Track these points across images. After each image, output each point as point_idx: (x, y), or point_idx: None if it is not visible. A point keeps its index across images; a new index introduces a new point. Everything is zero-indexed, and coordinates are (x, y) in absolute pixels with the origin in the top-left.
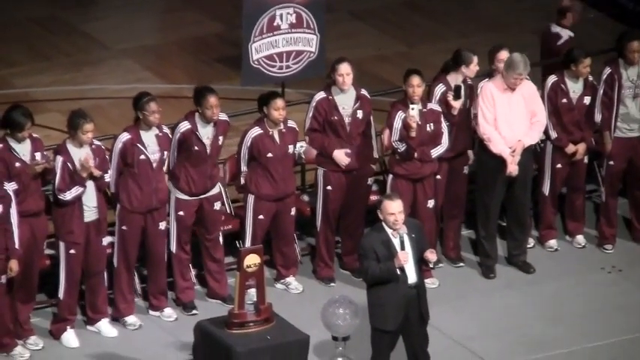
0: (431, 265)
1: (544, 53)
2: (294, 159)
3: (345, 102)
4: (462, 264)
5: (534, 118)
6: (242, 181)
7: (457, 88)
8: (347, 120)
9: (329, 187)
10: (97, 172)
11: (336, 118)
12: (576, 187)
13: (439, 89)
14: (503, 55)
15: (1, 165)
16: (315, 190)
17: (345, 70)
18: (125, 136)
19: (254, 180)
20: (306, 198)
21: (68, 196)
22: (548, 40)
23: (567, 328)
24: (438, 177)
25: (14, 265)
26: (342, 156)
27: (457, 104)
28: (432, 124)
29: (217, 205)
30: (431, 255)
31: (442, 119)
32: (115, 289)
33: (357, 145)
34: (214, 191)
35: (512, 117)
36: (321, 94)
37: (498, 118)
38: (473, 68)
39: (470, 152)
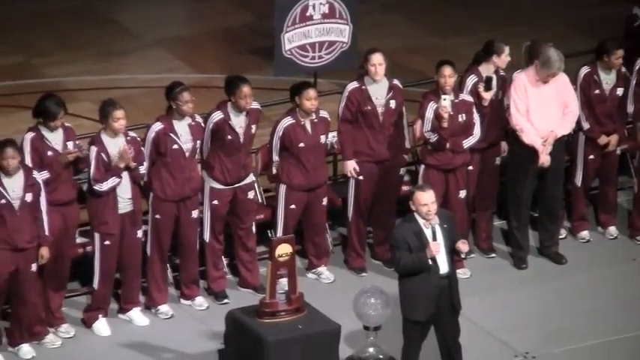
0: (462, 256)
1: (625, 36)
2: (326, 149)
3: (378, 92)
4: (493, 255)
5: (567, 109)
6: (274, 170)
7: (488, 80)
8: (380, 110)
9: (360, 177)
10: (132, 164)
11: (369, 108)
12: (608, 178)
13: (471, 80)
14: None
15: (34, 154)
16: (346, 180)
17: (377, 60)
18: (158, 126)
19: (286, 170)
20: (338, 189)
21: (104, 186)
22: (627, 21)
23: (599, 320)
24: (470, 168)
25: (45, 252)
26: (351, 168)
27: (488, 95)
28: (464, 115)
29: (251, 194)
30: (462, 245)
31: (474, 110)
32: (148, 278)
33: (389, 135)
34: (248, 180)
35: (545, 108)
36: (353, 84)
37: (530, 110)
38: (504, 58)
39: (503, 144)
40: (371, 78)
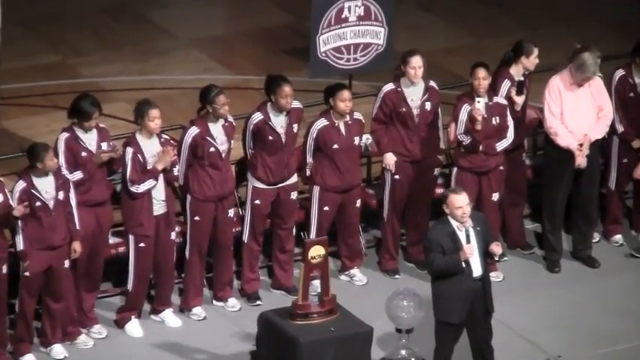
0: (496, 258)
1: None
2: (360, 151)
3: (414, 94)
4: (532, 251)
5: (601, 113)
6: (307, 172)
7: (520, 84)
8: (415, 112)
9: (397, 176)
10: (173, 158)
11: (404, 109)
12: None
13: (505, 85)
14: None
15: (68, 154)
16: (381, 180)
17: (417, 63)
18: (194, 130)
19: (320, 171)
20: (372, 191)
21: (141, 188)
22: None
23: (632, 323)
24: (501, 168)
25: (77, 246)
26: (392, 160)
27: (520, 100)
28: (497, 117)
29: (294, 195)
30: (496, 248)
31: (508, 112)
32: (186, 280)
33: (424, 136)
34: (291, 180)
35: (579, 111)
36: (389, 86)
37: (565, 113)
38: (533, 60)
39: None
40: (409, 80)
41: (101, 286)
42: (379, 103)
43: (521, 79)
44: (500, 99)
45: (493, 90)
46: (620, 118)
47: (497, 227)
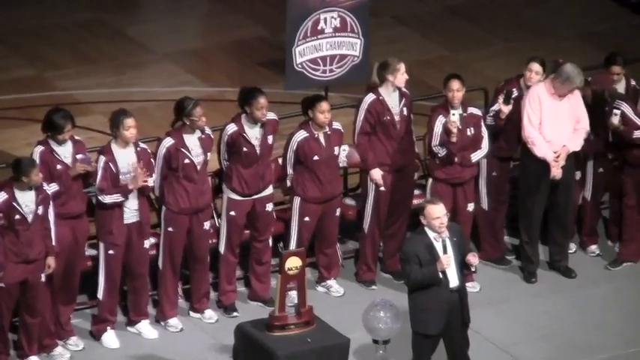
0: (472, 269)
1: None
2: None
3: (393, 101)
4: (509, 265)
5: (578, 125)
6: (288, 183)
7: (508, 93)
8: (397, 119)
9: (382, 188)
10: (144, 184)
11: (388, 118)
12: (618, 191)
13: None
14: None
15: (43, 167)
16: (364, 191)
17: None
18: (169, 142)
19: (300, 183)
20: (350, 201)
21: (107, 199)
22: None
23: (610, 334)
24: (494, 174)
25: (52, 261)
26: (379, 176)
27: (507, 109)
28: (472, 129)
29: (269, 207)
30: (473, 258)
31: (482, 123)
32: (160, 291)
33: (405, 143)
34: (267, 192)
35: (558, 121)
36: (371, 96)
37: (544, 122)
38: (526, 73)
39: None
40: (393, 87)
41: (78, 298)
42: (364, 115)
43: (511, 90)
44: (474, 110)
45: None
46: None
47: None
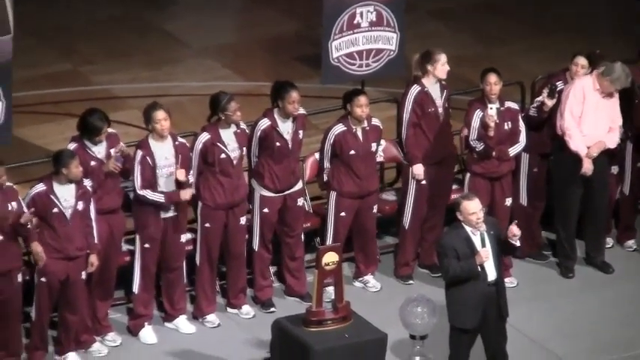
0: (516, 242)
1: None
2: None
3: (436, 93)
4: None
5: (612, 124)
6: (324, 178)
7: (553, 87)
8: (440, 110)
9: (423, 182)
10: (184, 179)
11: (432, 109)
12: None
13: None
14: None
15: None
16: (404, 186)
17: (445, 59)
18: (205, 137)
19: (336, 177)
20: (387, 196)
21: (150, 196)
22: None
23: None
24: (535, 170)
25: (94, 259)
26: (421, 171)
27: (550, 103)
28: (509, 123)
29: (300, 201)
30: (515, 228)
31: (520, 117)
32: (197, 287)
33: (445, 135)
34: (297, 187)
35: (597, 117)
36: (416, 88)
37: (584, 116)
38: (572, 67)
39: None
40: (437, 77)
41: (115, 293)
42: (411, 107)
43: (556, 84)
44: (512, 104)
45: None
46: (630, 121)
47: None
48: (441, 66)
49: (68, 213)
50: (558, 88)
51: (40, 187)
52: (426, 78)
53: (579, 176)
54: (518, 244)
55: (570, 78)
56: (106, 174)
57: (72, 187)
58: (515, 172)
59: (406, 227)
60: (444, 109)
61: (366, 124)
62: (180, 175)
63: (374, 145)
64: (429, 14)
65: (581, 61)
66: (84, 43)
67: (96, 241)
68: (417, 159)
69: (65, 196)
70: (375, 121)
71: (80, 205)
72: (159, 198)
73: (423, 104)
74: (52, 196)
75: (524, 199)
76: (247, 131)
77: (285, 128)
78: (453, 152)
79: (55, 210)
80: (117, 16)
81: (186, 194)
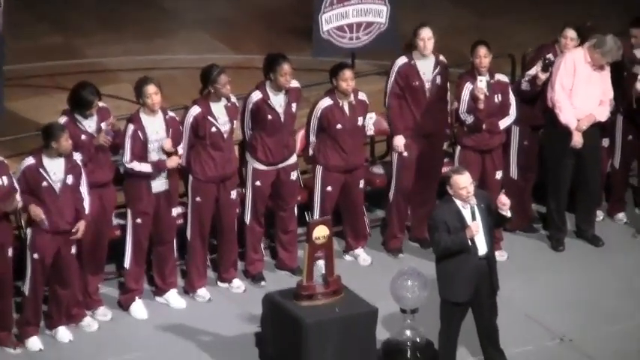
0: (505, 213)
1: None
2: (364, 131)
3: (426, 67)
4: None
5: (603, 96)
6: (310, 152)
7: (547, 61)
8: (427, 86)
9: (405, 154)
10: (171, 148)
11: (417, 83)
12: None
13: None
14: (570, 33)
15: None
16: (389, 159)
17: (426, 34)
18: (196, 110)
19: (322, 151)
20: (378, 170)
21: (137, 167)
22: None
23: (638, 301)
24: (525, 143)
25: (81, 225)
26: (401, 143)
27: (544, 76)
28: (499, 95)
29: (294, 175)
30: (503, 197)
31: (510, 90)
32: (188, 261)
33: (434, 111)
34: (291, 161)
35: (589, 90)
36: (402, 59)
37: (575, 89)
38: (562, 40)
39: None
40: (419, 52)
41: (106, 268)
42: (394, 77)
43: (549, 57)
44: (501, 76)
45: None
46: (621, 95)
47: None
48: (420, 41)
49: (57, 187)
50: (552, 61)
51: (30, 161)
52: (415, 51)
53: (570, 149)
54: (509, 214)
55: (560, 50)
56: (97, 148)
57: (61, 160)
58: (506, 145)
59: (391, 200)
60: (433, 84)
61: (352, 98)
62: (167, 144)
63: (360, 120)
64: None
65: (570, 33)
66: (77, 16)
67: (87, 211)
68: (398, 131)
69: (54, 169)
70: (362, 96)
71: (70, 179)
72: (146, 167)
73: (408, 76)
74: (41, 170)
75: (514, 173)
76: (238, 105)
77: (277, 101)
78: (443, 128)
79: (45, 184)
80: None
81: (172, 162)
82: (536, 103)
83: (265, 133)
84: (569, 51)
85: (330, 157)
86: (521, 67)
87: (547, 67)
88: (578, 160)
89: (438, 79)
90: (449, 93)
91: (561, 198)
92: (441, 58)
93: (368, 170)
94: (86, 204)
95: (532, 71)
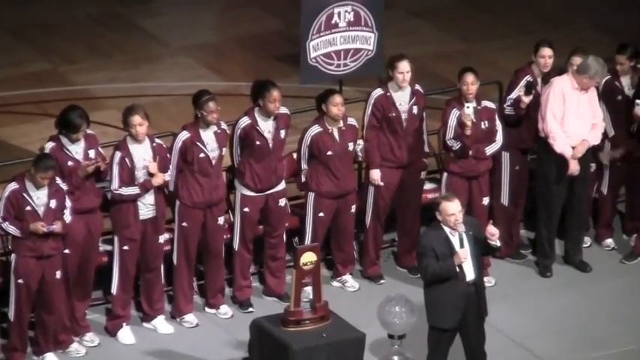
0: (496, 243)
1: None
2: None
3: (402, 98)
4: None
5: (594, 119)
6: (303, 179)
7: (529, 84)
8: (404, 116)
9: (381, 183)
10: (155, 171)
11: (393, 114)
12: (635, 185)
13: (526, 79)
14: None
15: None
16: (365, 186)
17: (405, 68)
18: (185, 135)
19: (314, 178)
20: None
21: (125, 191)
22: None
23: (625, 327)
24: (517, 168)
25: (58, 225)
26: (377, 177)
27: (527, 99)
28: (486, 122)
29: (282, 202)
30: (491, 227)
31: (496, 116)
32: (175, 286)
33: (411, 141)
34: (280, 187)
35: (579, 116)
36: (378, 91)
37: (566, 116)
38: (539, 60)
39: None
40: (397, 85)
41: (93, 294)
42: (371, 109)
43: (531, 79)
44: (488, 103)
45: (513, 83)
46: (610, 121)
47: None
48: (398, 74)
49: (41, 211)
50: (533, 83)
51: (14, 186)
52: (391, 82)
53: (565, 175)
54: (498, 243)
55: (540, 70)
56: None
57: (44, 185)
58: (495, 171)
59: (367, 228)
60: (410, 114)
61: (342, 123)
62: (153, 167)
63: (351, 145)
64: (409, 12)
65: (547, 52)
66: (63, 43)
67: (67, 221)
68: (375, 164)
69: (38, 194)
70: (351, 121)
71: (53, 204)
72: (133, 190)
73: (384, 108)
74: (24, 195)
75: (505, 199)
76: (228, 131)
77: (266, 127)
78: (420, 158)
79: (28, 208)
80: (96, 14)
81: (158, 178)
82: (522, 125)
83: (254, 159)
84: (556, 79)
85: (323, 184)
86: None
87: (530, 89)
88: (570, 186)
89: (415, 109)
90: (425, 122)
91: (552, 226)
92: (417, 87)
93: (358, 196)
94: (67, 217)
95: (513, 94)
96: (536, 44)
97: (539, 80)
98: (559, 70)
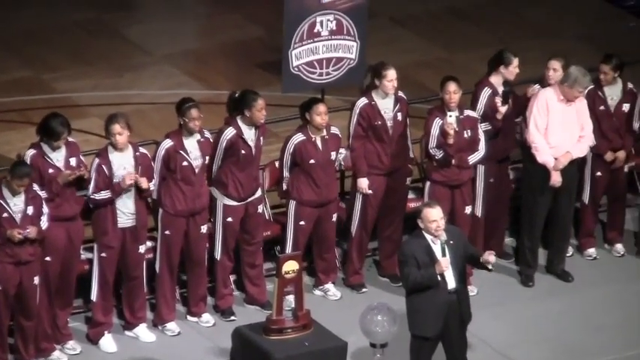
0: (490, 267)
1: None
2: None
3: (386, 105)
4: (511, 260)
5: (582, 132)
6: (284, 187)
7: (505, 94)
8: (389, 124)
9: (369, 191)
10: (145, 185)
11: (379, 122)
12: (616, 195)
13: (485, 92)
14: (554, 64)
15: (34, 172)
16: (352, 195)
17: (393, 75)
18: (168, 143)
19: (296, 186)
20: (344, 205)
21: (97, 196)
22: None
23: (607, 337)
24: (491, 180)
25: (33, 230)
26: (365, 185)
27: (504, 109)
28: (469, 131)
29: (260, 208)
30: (489, 256)
31: (479, 125)
32: (157, 294)
33: (397, 147)
34: (258, 194)
35: (564, 127)
36: (363, 100)
37: (550, 128)
38: (512, 70)
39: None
40: (384, 93)
41: (75, 301)
42: (356, 119)
43: (506, 89)
44: (471, 112)
45: (475, 99)
46: (593, 131)
47: (480, 240)
48: (387, 82)
49: (18, 217)
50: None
51: None
52: (375, 91)
53: (549, 186)
54: (490, 267)
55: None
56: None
57: (21, 192)
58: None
59: (353, 236)
60: (395, 121)
61: (325, 132)
62: (144, 182)
63: (333, 154)
64: (392, 20)
65: (554, 64)
66: (46, 50)
67: (43, 228)
68: (362, 173)
69: (15, 200)
70: (334, 130)
71: (30, 210)
72: (106, 194)
73: (369, 117)
74: (1, 201)
75: (479, 210)
76: (211, 140)
77: (250, 136)
78: (406, 164)
79: (5, 215)
80: (80, 21)
81: (128, 178)
82: (498, 137)
83: (237, 168)
84: (541, 90)
85: (304, 192)
86: None
87: (507, 99)
88: (553, 197)
89: (399, 116)
90: (409, 128)
91: (535, 236)
92: (400, 94)
93: (340, 205)
94: (44, 224)
95: (480, 110)
96: (550, 56)
97: (499, 90)
98: (539, 78)
